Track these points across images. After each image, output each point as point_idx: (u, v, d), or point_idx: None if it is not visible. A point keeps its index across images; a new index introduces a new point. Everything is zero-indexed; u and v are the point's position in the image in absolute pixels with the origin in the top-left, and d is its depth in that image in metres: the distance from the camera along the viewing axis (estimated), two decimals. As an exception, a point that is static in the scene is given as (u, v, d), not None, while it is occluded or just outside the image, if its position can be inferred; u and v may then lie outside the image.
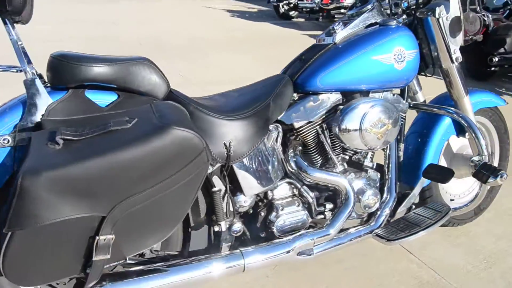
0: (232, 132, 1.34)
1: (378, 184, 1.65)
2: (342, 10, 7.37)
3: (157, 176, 1.04)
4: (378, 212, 1.62)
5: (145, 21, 7.99)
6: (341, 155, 1.65)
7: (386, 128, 1.52)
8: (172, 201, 1.09)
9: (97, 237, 1.03)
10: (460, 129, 1.92)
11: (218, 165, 1.38)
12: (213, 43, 6.36)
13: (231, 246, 1.44)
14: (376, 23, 1.60)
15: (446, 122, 1.89)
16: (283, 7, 8.76)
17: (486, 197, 2.19)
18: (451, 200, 2.11)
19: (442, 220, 1.62)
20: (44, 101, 1.17)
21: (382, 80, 1.54)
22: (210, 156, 1.11)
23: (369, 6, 1.61)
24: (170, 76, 1.53)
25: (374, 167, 1.68)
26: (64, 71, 1.19)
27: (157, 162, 1.02)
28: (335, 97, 1.54)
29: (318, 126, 1.53)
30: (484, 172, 1.64)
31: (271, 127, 1.45)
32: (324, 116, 1.52)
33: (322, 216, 1.58)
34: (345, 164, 1.62)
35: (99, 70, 1.20)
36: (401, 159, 1.78)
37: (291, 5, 8.70)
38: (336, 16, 7.40)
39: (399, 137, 1.77)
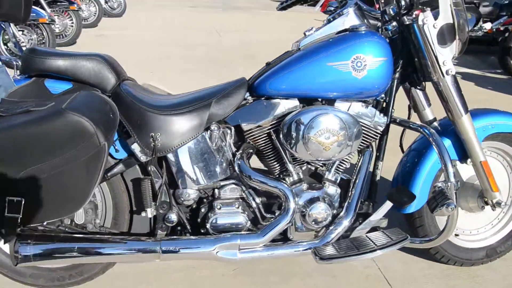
0: (161, 126, 1.42)
1: (335, 200, 1.55)
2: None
3: (53, 153, 1.17)
4: (329, 229, 1.52)
5: (249, 29, 8.37)
6: (306, 165, 1.59)
7: (336, 139, 1.43)
8: (72, 179, 1.21)
9: (7, 198, 1.20)
10: (464, 154, 1.69)
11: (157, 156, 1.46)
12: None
13: (165, 235, 1.51)
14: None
15: (446, 144, 1.69)
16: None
17: (506, 239, 1.88)
18: (456, 235, 1.85)
19: (389, 248, 1.45)
20: (9, 85, 1.40)
21: (339, 88, 1.46)
22: (103, 140, 1.20)
23: (345, 11, 1.54)
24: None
25: (338, 181, 1.58)
26: (29, 63, 1.43)
27: (50, 140, 1.16)
28: (291, 103, 1.50)
29: (269, 132, 1.51)
30: (434, 200, 1.43)
31: (213, 126, 1.48)
32: (274, 122, 1.49)
33: (265, 223, 1.54)
34: (300, 174, 1.56)
35: (55, 63, 1.41)
36: (377, 178, 1.64)
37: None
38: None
39: (378, 154, 1.64)
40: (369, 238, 1.50)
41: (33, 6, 4.92)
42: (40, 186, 1.21)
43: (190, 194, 1.52)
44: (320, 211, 1.51)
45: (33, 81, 1.43)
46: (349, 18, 1.53)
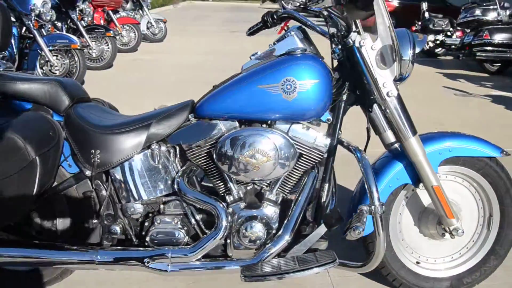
0: (100, 144, 1.52)
1: (273, 220, 1.56)
2: (488, 48, 6.50)
3: None
4: (264, 248, 1.53)
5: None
6: (252, 185, 1.62)
7: (265, 160, 1.46)
8: (8, 191, 1.33)
9: None
10: (418, 178, 1.65)
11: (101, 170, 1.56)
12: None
13: (110, 245, 1.59)
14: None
15: (399, 168, 1.66)
16: (427, 43, 8.18)
17: (474, 271, 1.78)
18: (417, 263, 1.78)
19: (312, 270, 1.43)
20: None
21: (271, 110, 1.49)
22: (33, 154, 1.31)
23: (287, 35, 1.58)
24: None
25: (279, 201, 1.60)
26: None
27: None
28: (230, 125, 1.54)
29: (209, 151, 1.56)
30: (349, 222, 1.40)
31: (154, 145, 1.55)
32: (213, 142, 1.54)
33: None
34: (240, 193, 1.59)
35: (14, 86, 1.56)
36: (323, 199, 1.63)
37: (437, 42, 8.06)
38: (477, 54, 6.56)
39: (324, 176, 1.64)
40: (296, 259, 1.49)
41: (67, 33, 5.35)
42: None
43: (135, 208, 1.59)
44: (255, 230, 1.53)
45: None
46: (290, 42, 1.56)
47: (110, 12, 7.63)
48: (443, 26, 7.82)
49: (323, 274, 1.90)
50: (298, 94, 1.46)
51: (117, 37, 7.69)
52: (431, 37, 8.10)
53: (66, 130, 1.56)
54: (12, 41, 4.52)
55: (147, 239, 1.58)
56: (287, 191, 1.62)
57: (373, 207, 1.43)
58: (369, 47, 1.50)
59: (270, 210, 1.57)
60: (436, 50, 8.30)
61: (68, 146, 1.57)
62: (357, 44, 1.50)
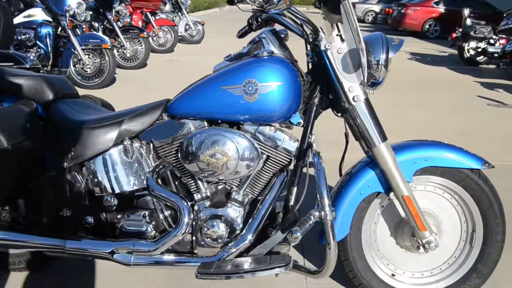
0: (74, 137, 1.59)
1: (237, 220, 1.57)
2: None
3: None
4: (225, 247, 1.54)
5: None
6: (224, 184, 1.64)
7: (225, 160, 1.47)
8: None
9: None
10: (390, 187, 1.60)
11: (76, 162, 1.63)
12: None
13: (85, 234, 1.67)
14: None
15: (372, 175, 1.61)
16: (468, 51, 7.83)
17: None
18: (392, 275, 1.73)
19: (262, 272, 1.42)
20: None
21: (234, 111, 1.49)
22: (6, 144, 1.40)
23: (258, 38, 1.58)
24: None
25: (245, 202, 1.60)
26: None
27: None
28: (198, 124, 1.56)
29: (177, 149, 1.59)
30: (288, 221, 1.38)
31: (126, 141, 1.60)
32: (181, 140, 1.58)
33: None
34: (208, 191, 1.61)
35: (4, 81, 1.68)
36: (291, 202, 1.62)
37: (479, 50, 7.70)
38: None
39: (293, 179, 1.62)
40: (252, 260, 1.49)
41: (101, 33, 5.59)
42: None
43: (109, 200, 1.65)
44: (217, 229, 1.54)
45: None
46: (261, 44, 1.57)
47: (148, 14, 7.90)
48: (485, 33, 7.46)
49: (299, 281, 1.88)
50: (259, 96, 1.46)
51: (154, 38, 7.96)
52: (472, 45, 7.76)
53: (47, 123, 1.65)
54: (47, 40, 4.80)
55: (117, 231, 1.63)
56: (256, 192, 1.62)
57: (322, 212, 1.40)
58: (335, 51, 1.48)
59: (234, 210, 1.58)
60: (478, 58, 7.93)
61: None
62: (322, 47, 1.48)
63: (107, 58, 5.08)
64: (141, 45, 6.51)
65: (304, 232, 1.36)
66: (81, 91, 5.12)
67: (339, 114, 1.60)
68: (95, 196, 1.66)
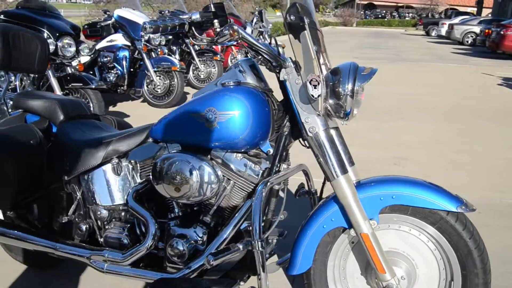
0: (69, 154, 1.82)
1: (199, 240, 1.64)
2: None
3: None
4: (185, 266, 1.62)
5: (399, 81, 8.07)
6: (199, 205, 1.74)
7: (185, 184, 1.55)
8: None
9: None
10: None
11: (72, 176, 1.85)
12: (427, 108, 5.95)
13: (79, 240, 1.87)
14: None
15: (336, 209, 1.58)
16: None
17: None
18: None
19: None
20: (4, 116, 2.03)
21: (200, 137, 1.57)
22: (7, 158, 1.66)
23: (231, 67, 1.66)
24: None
25: (211, 224, 1.67)
26: (15, 101, 2.03)
27: None
28: (173, 147, 1.68)
29: (157, 170, 1.73)
30: None
31: (114, 160, 1.77)
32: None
33: None
34: (179, 212, 1.71)
35: (25, 103, 1.98)
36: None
37: None
38: None
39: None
40: (200, 282, 1.54)
41: (175, 56, 6.06)
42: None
43: (100, 211, 1.84)
44: (180, 247, 1.62)
45: (19, 113, 2.03)
46: (231, 74, 1.64)
47: (228, 37, 8.34)
48: None
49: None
50: (218, 124, 1.53)
51: (232, 61, 8.38)
52: None
53: (54, 140, 1.90)
54: (124, 62, 5.37)
55: (101, 239, 1.81)
56: (224, 216, 1.68)
57: (253, 242, 1.41)
58: (293, 81, 1.50)
59: (199, 232, 1.65)
60: None
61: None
62: (281, 77, 1.51)
63: (175, 80, 5.50)
64: (215, 67, 6.91)
65: (225, 259, 1.40)
66: (151, 109, 5.58)
67: (307, 145, 1.60)
68: (87, 206, 1.86)
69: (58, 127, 1.92)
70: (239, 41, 1.50)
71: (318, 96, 1.43)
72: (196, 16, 6.56)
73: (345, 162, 1.54)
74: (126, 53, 5.36)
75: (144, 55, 5.35)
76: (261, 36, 9.80)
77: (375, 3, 55.07)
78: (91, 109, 3.86)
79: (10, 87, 3.83)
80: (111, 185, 1.81)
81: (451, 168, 3.72)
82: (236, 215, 1.63)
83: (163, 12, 6.92)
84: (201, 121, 1.56)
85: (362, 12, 49.50)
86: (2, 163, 1.68)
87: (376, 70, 1.55)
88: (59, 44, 3.83)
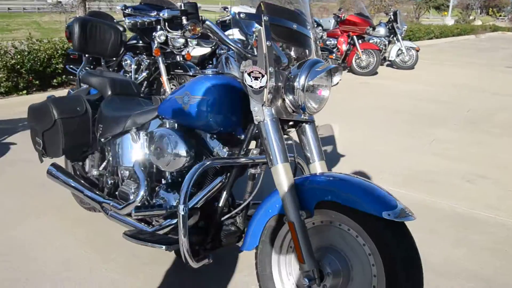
0: (102, 123, 2.29)
1: (172, 205, 1.92)
2: None
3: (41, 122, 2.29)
4: (160, 223, 1.93)
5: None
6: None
7: (163, 154, 1.85)
8: (48, 138, 2.32)
9: (36, 138, 2.41)
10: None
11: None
12: (440, 115, 5.02)
13: (107, 192, 2.35)
14: None
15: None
16: None
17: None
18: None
19: (151, 244, 1.73)
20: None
21: (178, 117, 1.84)
22: (57, 116, 2.20)
23: (223, 57, 1.89)
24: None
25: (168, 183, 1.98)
26: (81, 78, 2.61)
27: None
28: (169, 123, 1.99)
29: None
30: None
31: (133, 130, 2.16)
32: None
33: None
34: (168, 176, 2.03)
35: (87, 79, 2.53)
36: (219, 203, 1.86)
37: None
38: None
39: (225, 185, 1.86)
40: (159, 235, 1.83)
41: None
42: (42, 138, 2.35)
43: (122, 170, 2.28)
44: (156, 207, 1.93)
45: (86, 87, 2.60)
46: (220, 64, 1.88)
47: (355, 37, 8.29)
48: None
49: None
50: (189, 107, 1.78)
51: (357, 61, 8.31)
52: None
53: (99, 110, 2.40)
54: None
55: (117, 192, 2.25)
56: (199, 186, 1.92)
57: (179, 206, 1.64)
58: (246, 73, 1.65)
59: (176, 197, 1.94)
60: None
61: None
62: (240, 69, 1.68)
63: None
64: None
65: (147, 214, 1.76)
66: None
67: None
68: (114, 166, 2.32)
69: (104, 100, 2.42)
70: (213, 35, 1.73)
71: (261, 87, 1.56)
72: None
73: (287, 152, 1.61)
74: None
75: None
76: (394, 38, 9.40)
77: None
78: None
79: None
80: (130, 151, 2.23)
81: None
82: (207, 187, 1.85)
83: None
84: (180, 103, 1.84)
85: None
86: (50, 119, 2.24)
87: (331, 66, 1.60)
88: (169, 35, 4.49)
